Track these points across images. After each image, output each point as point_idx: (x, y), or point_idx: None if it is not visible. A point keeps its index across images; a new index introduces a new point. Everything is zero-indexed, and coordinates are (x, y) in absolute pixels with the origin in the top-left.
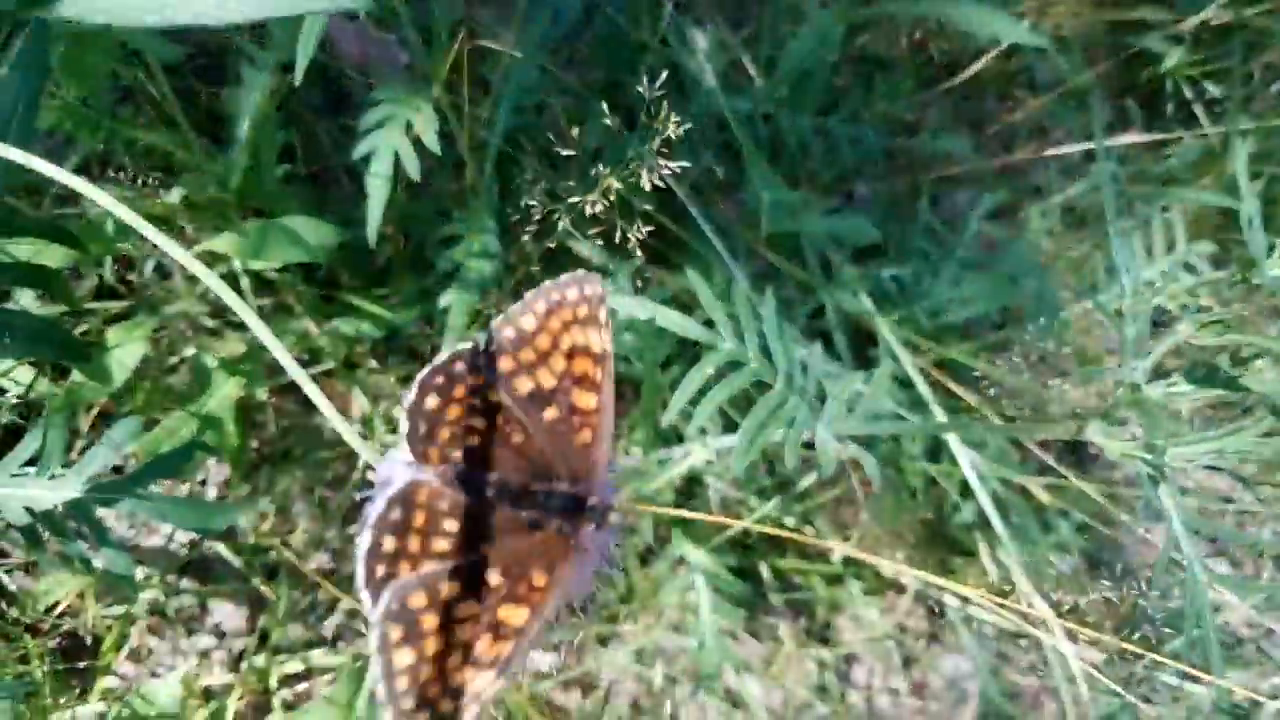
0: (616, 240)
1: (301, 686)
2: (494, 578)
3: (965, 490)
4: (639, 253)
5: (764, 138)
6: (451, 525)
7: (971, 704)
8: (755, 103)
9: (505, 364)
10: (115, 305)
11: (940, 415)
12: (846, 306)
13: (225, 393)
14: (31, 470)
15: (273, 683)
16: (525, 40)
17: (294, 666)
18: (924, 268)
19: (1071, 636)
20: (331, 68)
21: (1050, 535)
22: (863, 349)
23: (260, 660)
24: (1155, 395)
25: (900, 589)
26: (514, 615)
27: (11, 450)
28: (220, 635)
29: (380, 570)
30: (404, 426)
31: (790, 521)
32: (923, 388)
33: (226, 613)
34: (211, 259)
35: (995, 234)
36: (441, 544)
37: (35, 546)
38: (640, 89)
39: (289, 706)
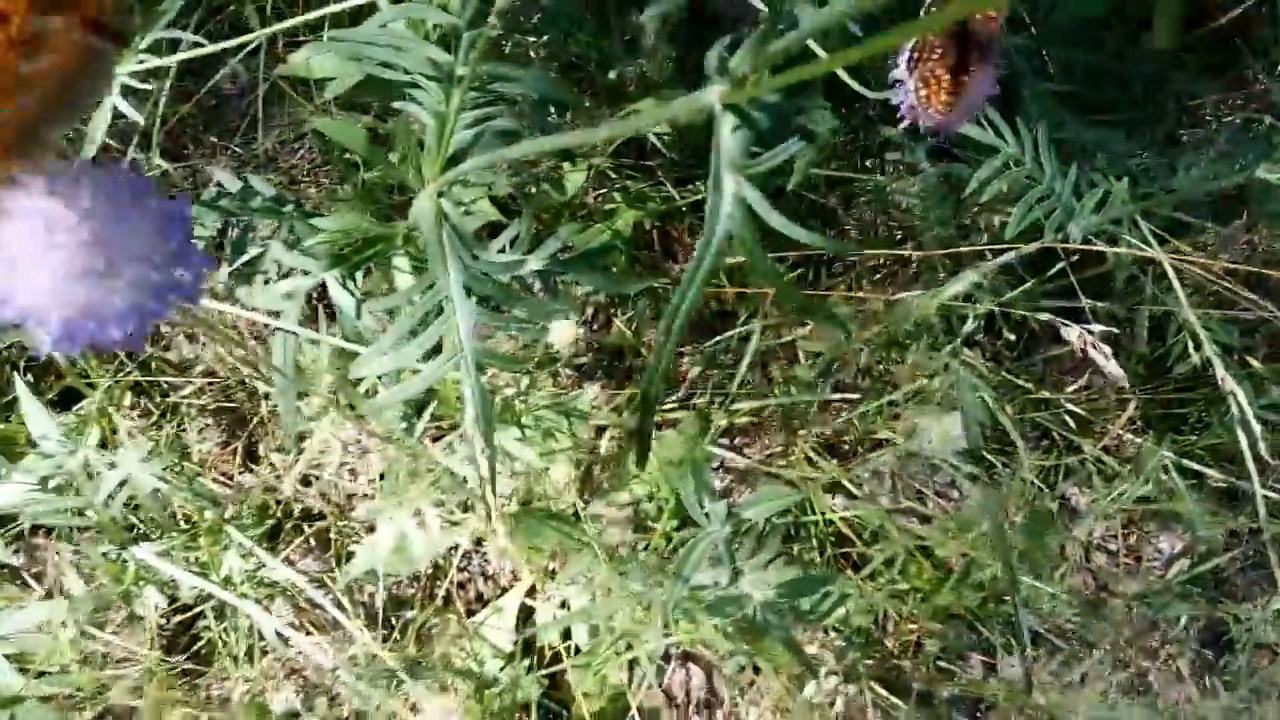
0: None
1: None
2: None
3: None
4: None
5: (1038, 67)
6: None
7: None
8: (1035, 41)
9: None
10: None
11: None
12: (1096, 181)
13: (626, 220)
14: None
15: None
16: None
17: None
18: (1166, 161)
19: None
20: None
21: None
22: None
23: None
24: None
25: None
26: None
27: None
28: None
29: None
30: None
31: None
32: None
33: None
34: None
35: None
36: None
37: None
38: None
39: None
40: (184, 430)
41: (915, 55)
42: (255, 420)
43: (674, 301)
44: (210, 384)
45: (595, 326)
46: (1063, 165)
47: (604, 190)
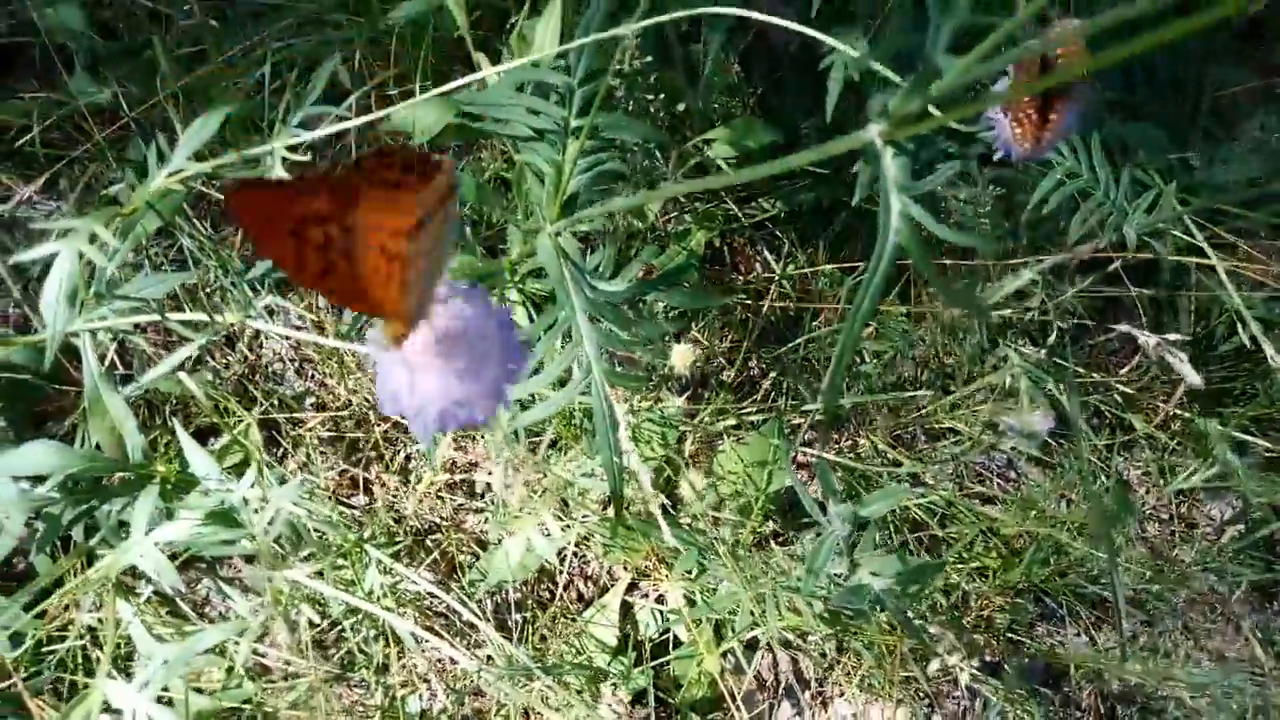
0: None
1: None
2: None
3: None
4: None
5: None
6: None
7: None
8: None
9: None
10: None
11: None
12: (1140, 178)
13: (698, 240)
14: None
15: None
16: None
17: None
18: (1203, 154)
19: None
20: None
21: None
22: None
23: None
24: None
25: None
26: None
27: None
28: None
29: None
30: None
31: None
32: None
33: None
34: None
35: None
36: None
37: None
38: None
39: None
40: (311, 460)
41: (1012, 99)
42: (369, 446)
43: (853, 312)
44: (331, 417)
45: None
46: (1113, 170)
47: (674, 214)
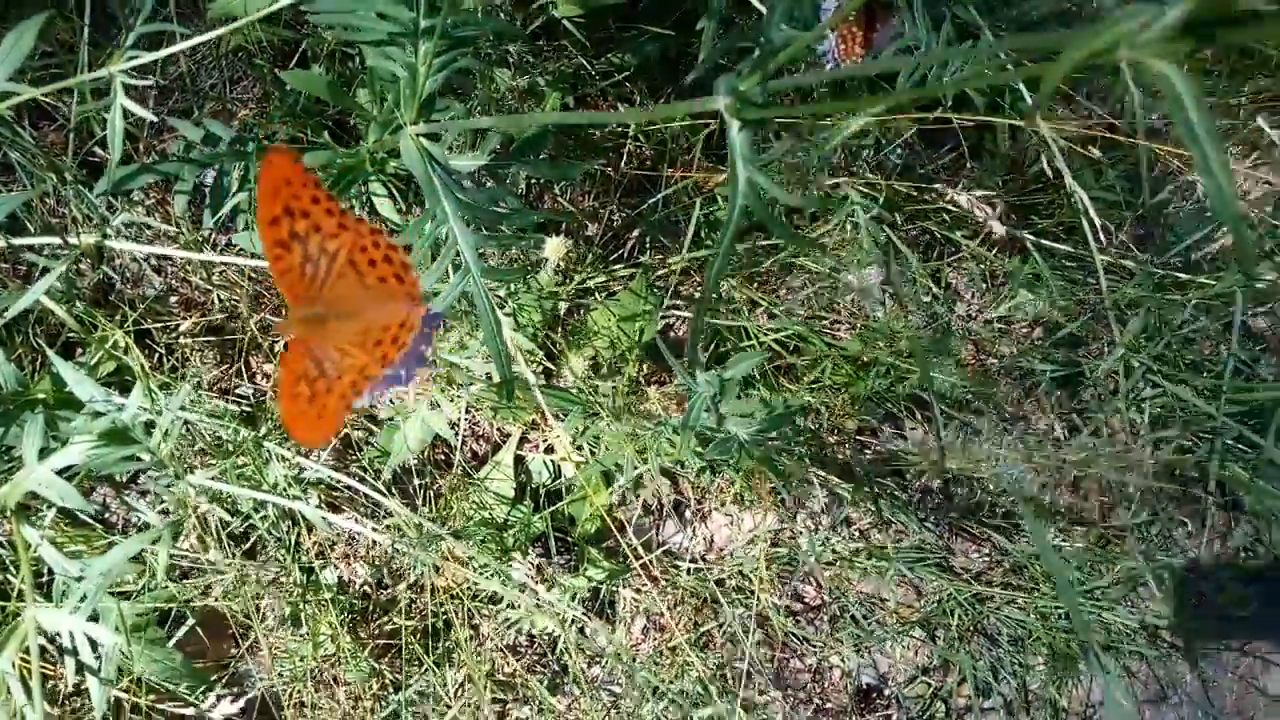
0: None
1: None
2: None
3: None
4: None
5: None
6: None
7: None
8: None
9: None
10: None
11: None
12: (961, 15)
13: (552, 102)
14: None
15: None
16: None
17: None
18: None
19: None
20: None
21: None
22: None
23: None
24: None
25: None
26: None
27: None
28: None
29: None
30: None
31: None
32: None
33: None
34: None
35: None
36: None
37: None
38: None
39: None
40: (188, 361)
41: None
42: (246, 340)
43: (712, 262)
44: (201, 316)
45: (535, 202)
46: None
47: (526, 75)
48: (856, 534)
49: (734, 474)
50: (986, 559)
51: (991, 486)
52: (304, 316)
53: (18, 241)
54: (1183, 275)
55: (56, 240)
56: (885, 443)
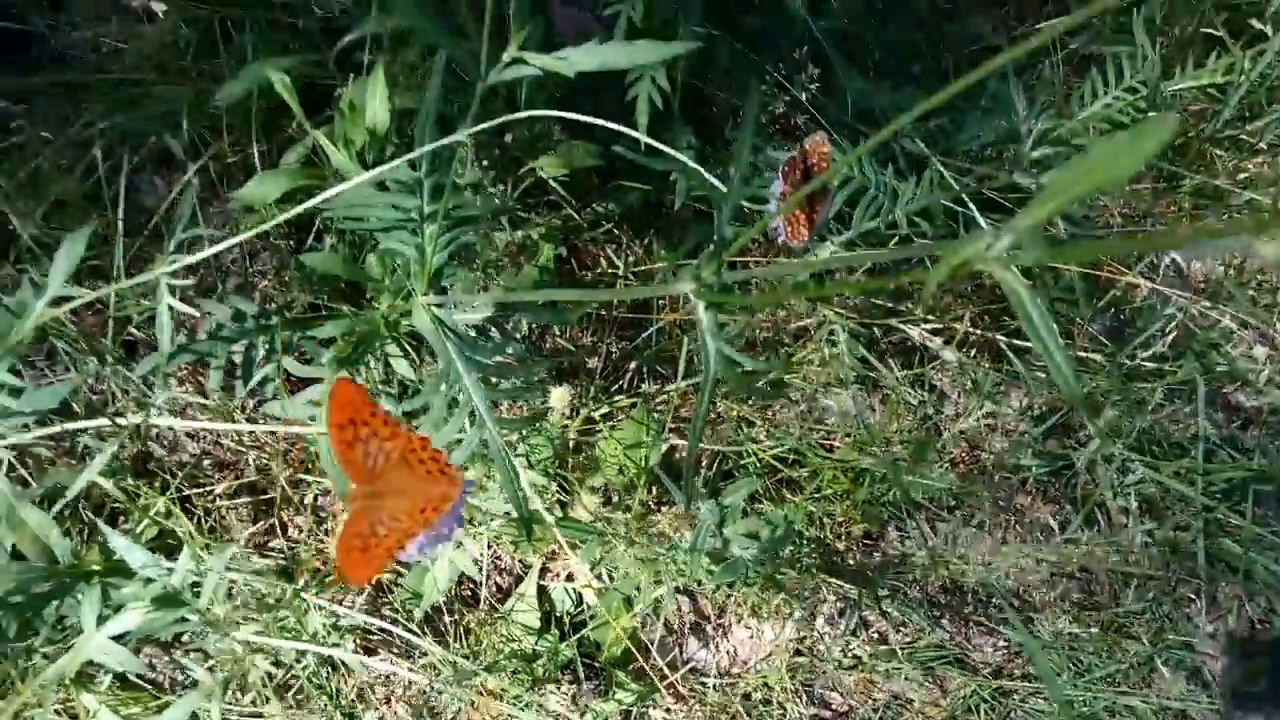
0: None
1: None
2: None
3: None
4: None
5: (844, 47)
6: None
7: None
8: (834, 21)
9: None
10: None
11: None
12: (909, 148)
13: (546, 255)
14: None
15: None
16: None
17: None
18: (957, 116)
19: None
20: None
21: None
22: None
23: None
24: None
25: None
26: None
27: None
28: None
29: None
30: None
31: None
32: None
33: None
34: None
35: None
36: None
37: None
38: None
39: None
40: (224, 521)
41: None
42: (278, 497)
43: (694, 420)
44: (236, 476)
45: (537, 342)
46: (882, 164)
47: (520, 230)
48: (875, 635)
49: (747, 588)
50: (1004, 651)
51: (995, 581)
52: (364, 493)
53: (72, 426)
54: (1149, 365)
55: (105, 421)
56: (891, 544)
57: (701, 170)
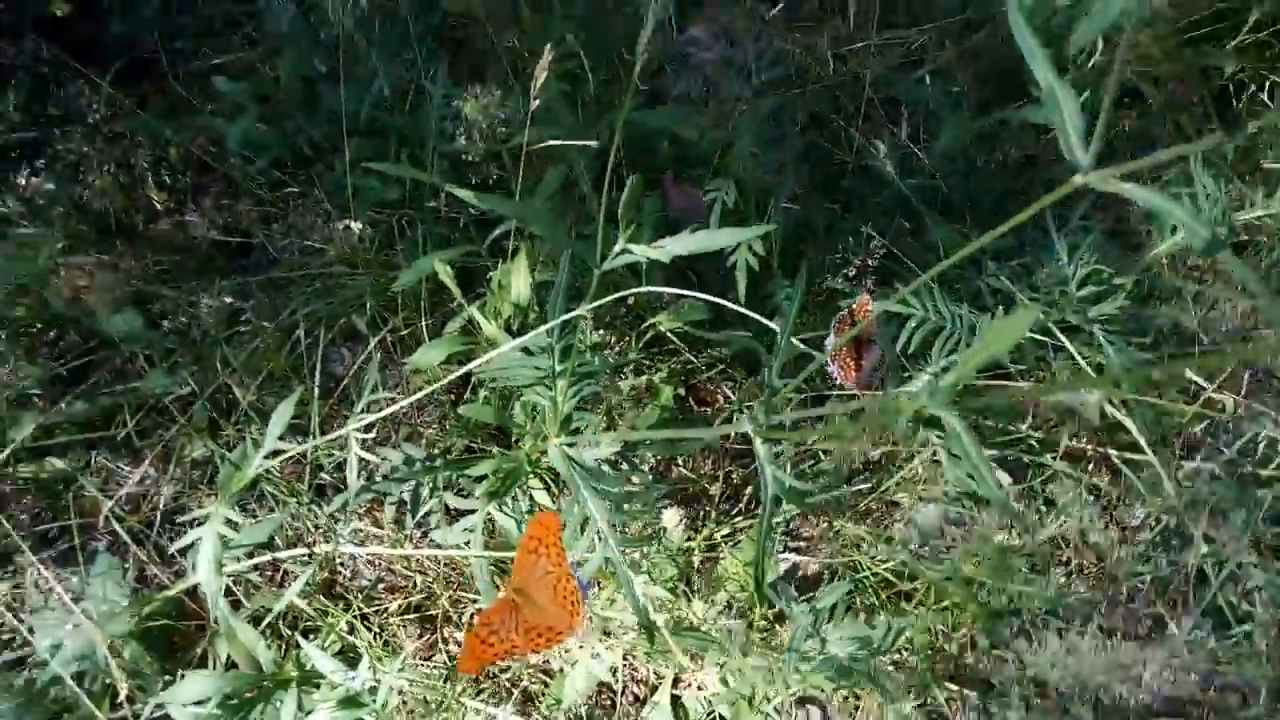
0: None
1: None
2: None
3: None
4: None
5: (933, 200)
6: None
7: None
8: (922, 178)
9: None
10: None
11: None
12: (995, 285)
13: (666, 396)
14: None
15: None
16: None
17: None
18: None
19: None
20: None
21: None
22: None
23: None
24: None
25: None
26: None
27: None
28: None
29: None
30: None
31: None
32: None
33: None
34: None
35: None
36: None
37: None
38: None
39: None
40: (396, 636)
41: (834, 353)
42: (440, 615)
43: (757, 539)
44: (405, 598)
45: (663, 473)
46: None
47: (644, 375)
48: None
49: (867, 694)
50: None
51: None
52: (516, 588)
53: (280, 555)
54: (1263, 471)
55: (303, 551)
56: (1021, 654)
57: (759, 345)
